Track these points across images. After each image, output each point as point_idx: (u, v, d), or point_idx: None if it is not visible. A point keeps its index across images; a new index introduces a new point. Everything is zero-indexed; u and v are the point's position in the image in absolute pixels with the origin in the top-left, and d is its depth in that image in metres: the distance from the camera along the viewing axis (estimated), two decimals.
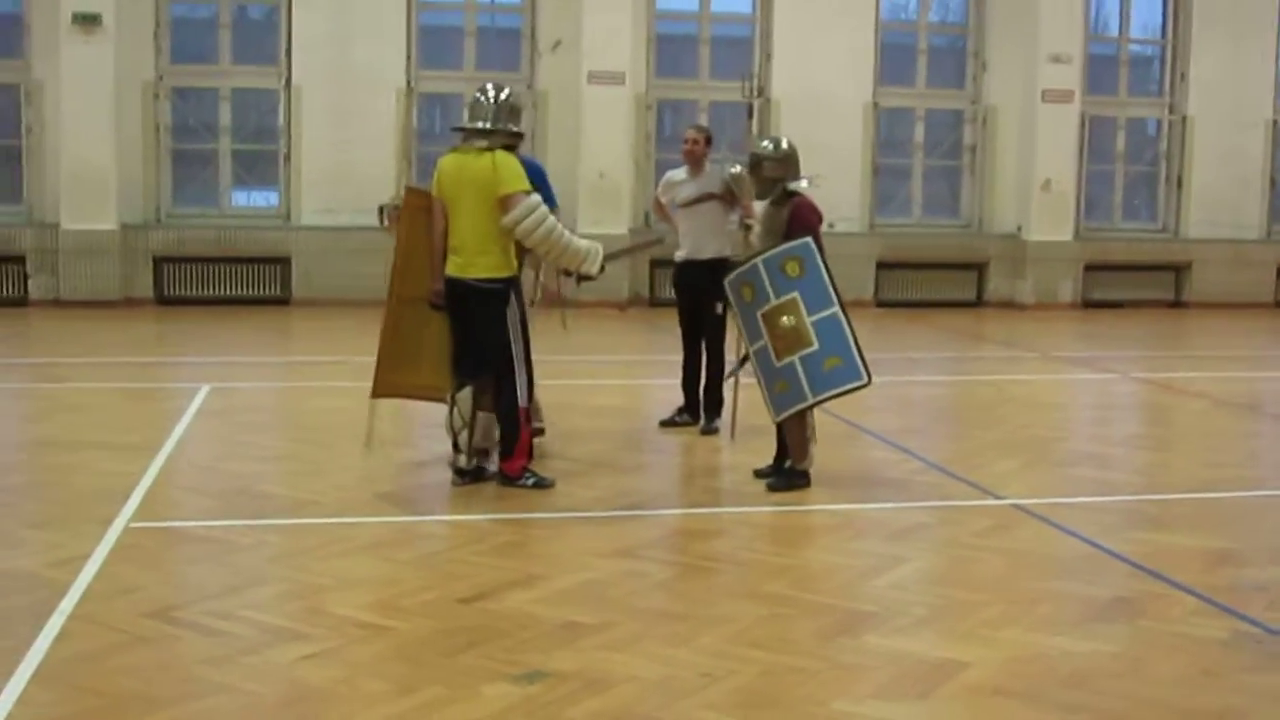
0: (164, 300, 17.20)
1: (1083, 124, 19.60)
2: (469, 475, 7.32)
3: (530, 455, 7.31)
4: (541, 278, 8.13)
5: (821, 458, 7.55)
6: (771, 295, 7.30)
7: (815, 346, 7.19)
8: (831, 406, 7.97)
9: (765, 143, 7.72)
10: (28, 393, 11.01)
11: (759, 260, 7.40)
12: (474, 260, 7.05)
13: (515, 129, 7.26)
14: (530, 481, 7.23)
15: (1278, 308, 20.01)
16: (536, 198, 7.03)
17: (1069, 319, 18.43)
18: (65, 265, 16.77)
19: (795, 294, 7.23)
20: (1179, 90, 20.16)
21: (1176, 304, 19.94)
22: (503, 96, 7.20)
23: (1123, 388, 12.30)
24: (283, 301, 17.39)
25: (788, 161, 7.56)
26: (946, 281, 19.30)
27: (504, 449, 7.28)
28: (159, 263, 17.22)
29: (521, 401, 7.21)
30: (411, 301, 7.21)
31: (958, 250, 19.50)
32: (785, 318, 7.24)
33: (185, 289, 17.26)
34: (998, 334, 16.63)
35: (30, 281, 16.96)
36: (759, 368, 7.43)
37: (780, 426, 7.51)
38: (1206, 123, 20.00)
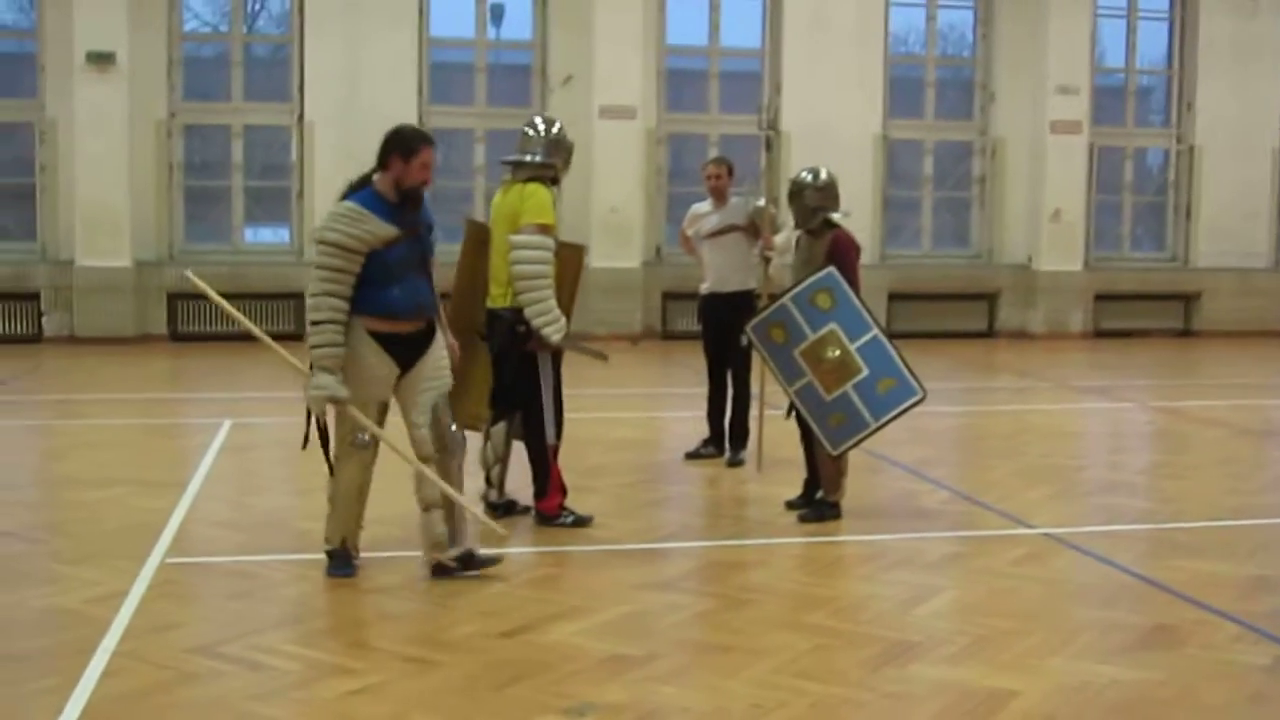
0: (177, 336, 17.26)
1: (1091, 154, 19.70)
2: (500, 509, 7.32)
3: (564, 491, 7.28)
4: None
5: (849, 489, 7.55)
6: (808, 331, 7.25)
7: (865, 372, 7.16)
8: None
9: (805, 172, 7.62)
10: (47, 429, 11.00)
11: (786, 299, 7.36)
12: (506, 291, 7.06)
13: (545, 160, 7.13)
14: (569, 520, 7.20)
15: None
16: (545, 239, 6.88)
17: (1080, 348, 18.48)
18: (80, 302, 16.89)
19: (833, 325, 7.20)
20: (1185, 120, 20.28)
21: (1186, 333, 20.00)
22: (554, 130, 7.19)
23: (1139, 416, 12.31)
24: (296, 337, 17.28)
25: (827, 191, 7.50)
26: (958, 312, 19.37)
27: (537, 488, 7.27)
28: (173, 299, 17.29)
29: (550, 439, 7.20)
30: (461, 333, 7.18)
31: (968, 281, 19.59)
32: (830, 350, 7.21)
33: (199, 325, 17.30)
34: (1011, 364, 16.65)
35: (45, 318, 17.07)
36: (807, 406, 7.33)
37: (811, 458, 7.52)
38: (1213, 152, 20.11)
